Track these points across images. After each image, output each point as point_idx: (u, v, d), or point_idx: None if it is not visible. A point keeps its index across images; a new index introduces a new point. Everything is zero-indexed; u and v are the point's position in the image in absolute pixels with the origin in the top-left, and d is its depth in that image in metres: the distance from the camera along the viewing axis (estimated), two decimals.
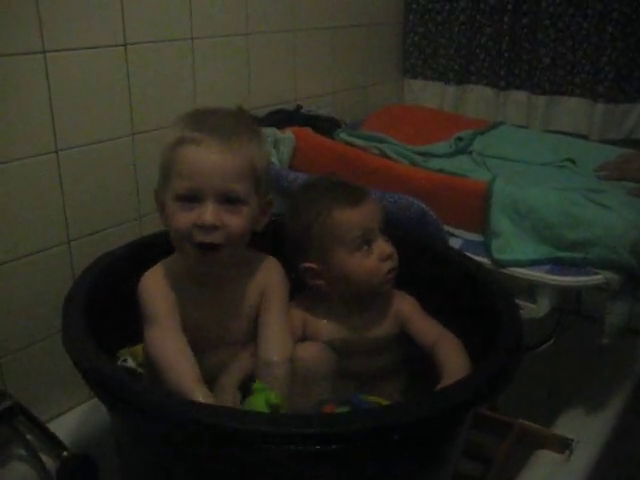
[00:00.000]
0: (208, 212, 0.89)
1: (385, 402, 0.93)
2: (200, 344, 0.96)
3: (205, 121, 0.92)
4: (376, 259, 1.02)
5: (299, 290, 1.09)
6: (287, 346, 0.99)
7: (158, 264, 0.99)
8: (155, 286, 0.96)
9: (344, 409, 0.89)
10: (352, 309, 1.07)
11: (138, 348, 1.01)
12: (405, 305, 1.09)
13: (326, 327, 1.07)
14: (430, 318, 1.07)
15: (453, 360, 0.96)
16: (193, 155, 0.89)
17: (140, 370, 1.00)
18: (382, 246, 1.03)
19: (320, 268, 1.04)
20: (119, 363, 0.97)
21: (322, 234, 1.03)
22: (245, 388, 0.94)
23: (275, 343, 0.98)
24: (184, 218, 0.90)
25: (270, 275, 1.03)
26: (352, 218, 1.02)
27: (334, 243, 1.03)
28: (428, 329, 1.04)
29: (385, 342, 1.07)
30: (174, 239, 0.94)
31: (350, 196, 1.03)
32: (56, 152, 1.09)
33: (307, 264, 1.04)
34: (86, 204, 1.16)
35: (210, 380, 0.95)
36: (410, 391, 1.05)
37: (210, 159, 0.89)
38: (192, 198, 0.90)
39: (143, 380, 0.98)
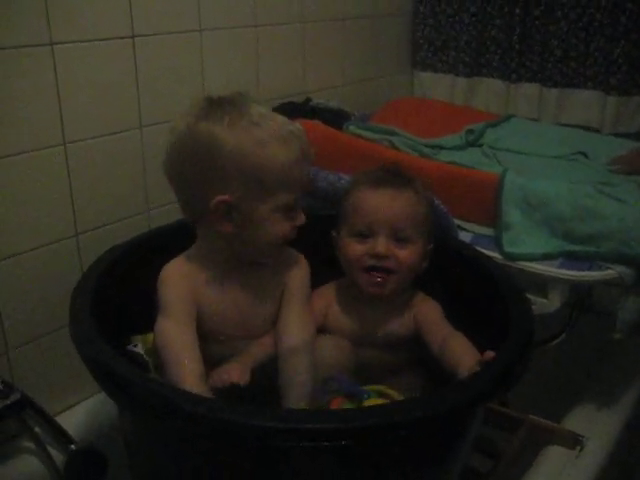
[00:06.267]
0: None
1: (394, 392, 0.92)
2: (220, 334, 0.99)
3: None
4: (362, 251, 1.01)
5: (323, 280, 1.10)
6: (310, 332, 1.01)
7: (180, 255, 1.00)
8: (173, 278, 0.97)
9: (351, 405, 0.88)
10: (374, 303, 1.05)
11: (151, 335, 1.01)
12: (429, 311, 1.05)
13: (346, 319, 1.07)
14: (450, 327, 1.02)
15: (464, 352, 0.93)
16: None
17: (147, 357, 0.99)
18: (376, 243, 1.00)
19: (335, 238, 1.06)
20: (129, 347, 0.97)
21: (344, 205, 1.05)
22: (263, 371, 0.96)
23: (297, 329, 1.00)
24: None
25: (294, 269, 1.04)
26: (365, 200, 1.02)
27: (344, 218, 1.04)
28: (440, 333, 1.00)
29: (403, 340, 1.06)
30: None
31: (380, 180, 1.02)
32: (64, 145, 1.09)
33: (333, 232, 1.08)
34: (94, 197, 1.15)
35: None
36: (427, 386, 1.04)
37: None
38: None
39: (149, 367, 0.97)
